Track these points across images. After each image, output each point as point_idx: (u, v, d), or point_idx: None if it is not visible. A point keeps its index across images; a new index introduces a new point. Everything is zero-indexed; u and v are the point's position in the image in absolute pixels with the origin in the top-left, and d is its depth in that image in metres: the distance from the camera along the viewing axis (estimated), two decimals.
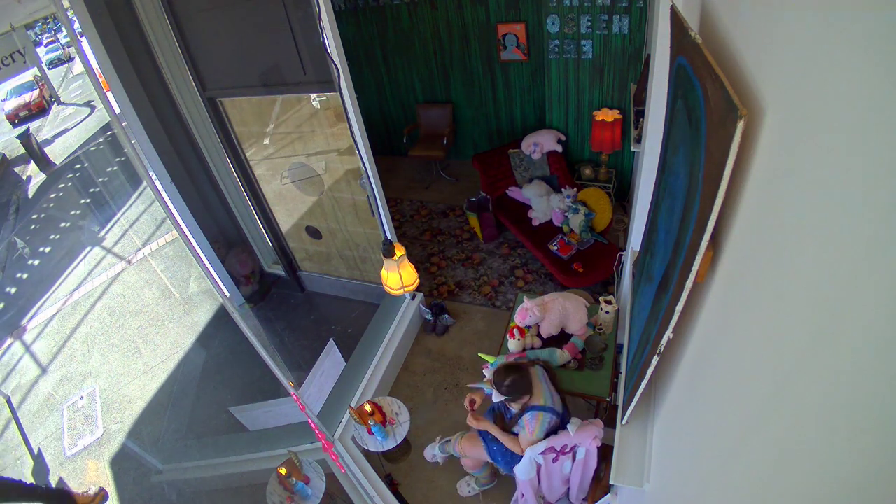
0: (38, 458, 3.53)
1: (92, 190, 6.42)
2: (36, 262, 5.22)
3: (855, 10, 0.52)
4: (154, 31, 3.04)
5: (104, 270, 5.01)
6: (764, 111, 0.79)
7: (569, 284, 3.60)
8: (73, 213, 6.05)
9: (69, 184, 6.53)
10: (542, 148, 4.25)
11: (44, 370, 3.91)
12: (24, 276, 5.18)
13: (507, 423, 2.34)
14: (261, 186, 3.74)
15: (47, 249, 5.44)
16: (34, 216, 6.06)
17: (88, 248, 3.74)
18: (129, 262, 3.91)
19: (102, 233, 3.95)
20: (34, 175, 6.52)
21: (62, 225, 5.85)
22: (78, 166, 6.72)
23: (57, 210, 6.07)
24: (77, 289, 4.39)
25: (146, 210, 5.70)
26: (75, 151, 6.97)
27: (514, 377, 2.09)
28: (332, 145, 3.30)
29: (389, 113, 5.61)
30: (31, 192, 6.37)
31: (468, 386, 2.14)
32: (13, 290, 5.05)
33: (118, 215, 5.73)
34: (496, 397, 2.09)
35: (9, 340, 4.41)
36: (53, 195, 6.31)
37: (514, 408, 2.16)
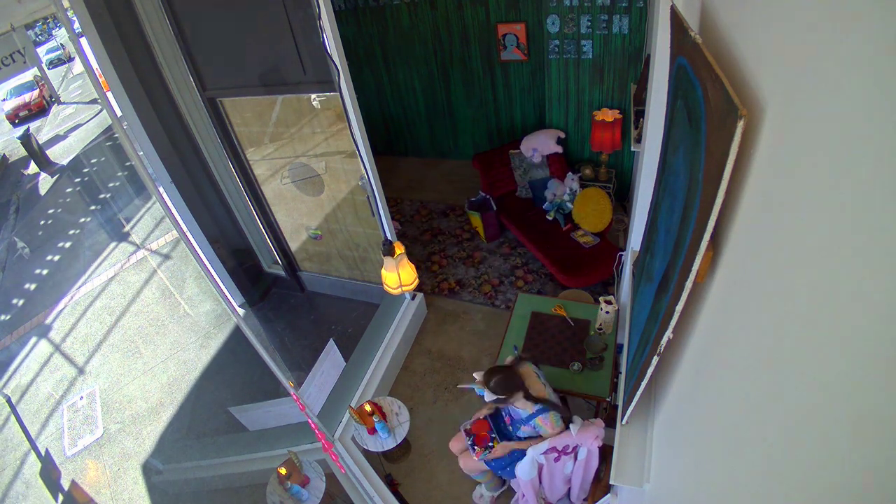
0: (46, 459, 3.53)
1: (112, 184, 6.43)
2: (56, 258, 5.24)
3: (855, 9, 0.52)
4: (154, 31, 3.04)
5: (108, 269, 5.01)
6: (764, 111, 0.79)
7: (569, 284, 3.60)
8: (91, 207, 6.07)
9: (85, 178, 6.54)
10: (542, 151, 4.26)
11: (80, 370, 3.91)
12: (45, 272, 5.19)
13: (508, 429, 2.33)
14: (261, 186, 3.74)
15: (67, 245, 5.45)
16: (50, 210, 6.07)
17: (114, 244, 3.78)
18: (149, 249, 3.91)
19: (125, 229, 3.96)
20: (40, 173, 6.53)
21: (82, 220, 5.85)
22: (94, 160, 6.72)
23: (65, 210, 6.08)
24: (106, 285, 4.37)
25: (151, 213, 5.70)
26: (79, 152, 6.98)
27: (499, 377, 2.09)
28: (332, 145, 3.29)
29: (389, 113, 5.61)
30: (41, 191, 6.39)
31: (459, 387, 2.11)
32: (32, 287, 5.06)
33: (136, 216, 5.74)
34: (488, 397, 2.09)
35: (33, 338, 4.44)
36: (69, 189, 6.33)
37: (519, 406, 2.16)
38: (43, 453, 3.58)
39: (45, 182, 6.56)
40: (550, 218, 4.09)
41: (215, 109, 3.32)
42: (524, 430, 2.23)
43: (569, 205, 4.03)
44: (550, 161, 4.29)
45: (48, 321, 4.62)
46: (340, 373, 2.84)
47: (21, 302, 5.03)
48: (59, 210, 6.15)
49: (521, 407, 2.16)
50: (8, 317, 4.87)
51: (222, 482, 3.41)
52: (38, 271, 5.28)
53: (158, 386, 3.97)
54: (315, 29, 2.37)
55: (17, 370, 4.26)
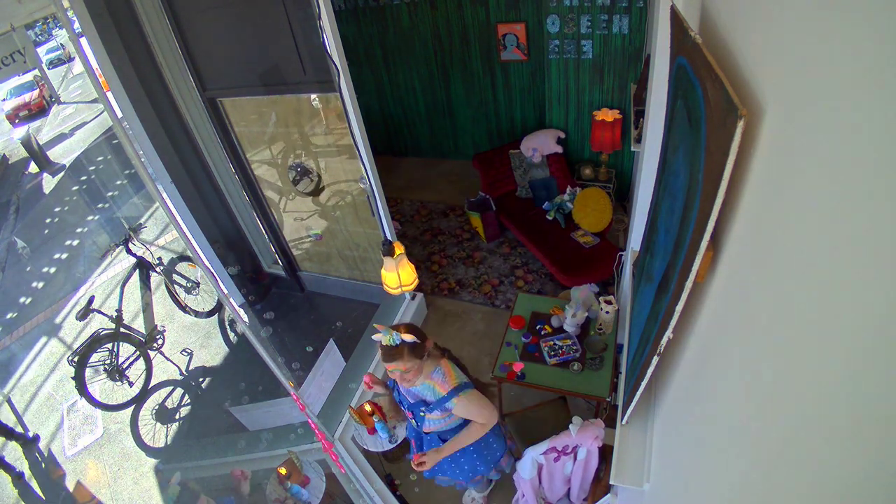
0: (48, 458, 3.54)
1: (118, 181, 6.43)
2: (64, 256, 5.24)
3: (854, 9, 0.52)
4: (154, 31, 3.04)
5: (109, 269, 5.01)
6: (764, 111, 0.79)
7: (569, 284, 3.60)
8: (98, 205, 6.08)
9: (91, 176, 6.54)
10: (542, 151, 4.25)
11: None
12: (52, 269, 5.19)
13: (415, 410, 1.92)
14: (261, 186, 3.74)
15: (75, 243, 5.46)
16: (56, 209, 6.07)
17: (115, 244, 3.79)
18: (149, 248, 3.91)
19: (127, 229, 3.97)
20: (42, 172, 6.54)
21: (89, 218, 5.85)
22: (98, 159, 6.73)
23: (68, 210, 6.08)
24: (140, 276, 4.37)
25: (151, 212, 5.71)
26: (81, 152, 6.98)
27: (413, 329, 1.77)
28: (332, 145, 3.29)
29: (389, 113, 5.61)
30: (45, 190, 6.39)
31: (374, 325, 1.69)
32: (40, 285, 5.06)
33: (137, 215, 5.76)
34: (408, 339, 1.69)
35: (33, 338, 4.45)
36: (75, 188, 6.32)
37: (432, 378, 1.82)
38: (46, 453, 3.58)
39: (46, 182, 6.56)
40: (550, 218, 4.09)
41: (215, 109, 3.32)
42: (431, 419, 1.86)
43: (569, 205, 4.03)
44: (550, 161, 4.29)
45: (56, 320, 4.61)
46: (340, 373, 2.84)
47: (29, 300, 5.02)
48: (65, 208, 6.14)
49: (430, 379, 1.81)
50: (14, 314, 4.86)
51: (222, 482, 3.40)
52: (45, 269, 5.28)
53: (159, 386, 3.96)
54: (315, 29, 2.37)
55: (18, 370, 4.25)
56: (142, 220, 4.45)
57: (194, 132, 3.47)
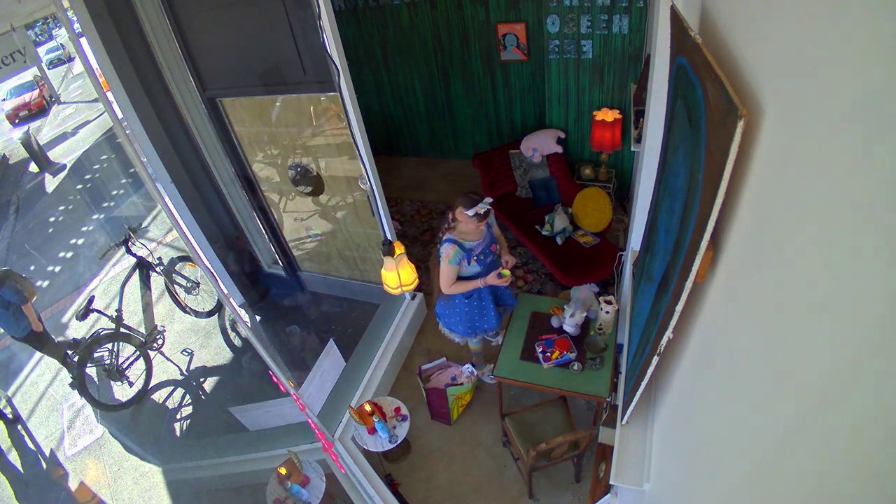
0: (50, 458, 3.54)
1: (122, 180, 6.44)
2: (69, 255, 5.24)
3: (854, 10, 0.52)
4: (154, 31, 3.04)
5: (109, 269, 5.01)
6: (764, 111, 0.79)
7: (569, 284, 3.60)
8: (102, 204, 6.10)
9: (96, 174, 6.54)
10: (542, 151, 4.25)
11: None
12: (57, 268, 5.20)
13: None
14: (261, 186, 3.74)
15: (79, 241, 5.46)
16: (60, 207, 6.09)
17: (114, 244, 3.78)
18: (149, 248, 3.91)
19: (126, 228, 3.97)
20: (43, 172, 6.55)
21: (95, 217, 5.86)
22: (101, 157, 6.73)
23: (69, 210, 6.09)
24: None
25: (152, 212, 5.71)
26: (82, 152, 6.99)
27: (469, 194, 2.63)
28: (332, 145, 3.29)
29: (389, 113, 5.61)
30: (48, 189, 6.41)
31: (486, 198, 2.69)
32: (45, 284, 5.06)
33: (136, 215, 5.76)
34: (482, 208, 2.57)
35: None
36: (78, 187, 6.33)
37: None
38: (48, 453, 3.58)
39: (48, 181, 6.57)
40: (546, 234, 3.97)
41: (215, 109, 3.32)
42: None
43: (569, 229, 3.92)
44: (550, 161, 4.29)
45: (63, 320, 4.61)
46: (340, 373, 2.84)
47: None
48: (68, 207, 6.16)
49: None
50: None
51: (222, 482, 3.41)
52: (49, 268, 5.29)
53: (159, 386, 3.96)
54: (315, 29, 2.37)
55: (20, 370, 4.26)
56: (143, 221, 4.45)
57: (194, 132, 3.47)
